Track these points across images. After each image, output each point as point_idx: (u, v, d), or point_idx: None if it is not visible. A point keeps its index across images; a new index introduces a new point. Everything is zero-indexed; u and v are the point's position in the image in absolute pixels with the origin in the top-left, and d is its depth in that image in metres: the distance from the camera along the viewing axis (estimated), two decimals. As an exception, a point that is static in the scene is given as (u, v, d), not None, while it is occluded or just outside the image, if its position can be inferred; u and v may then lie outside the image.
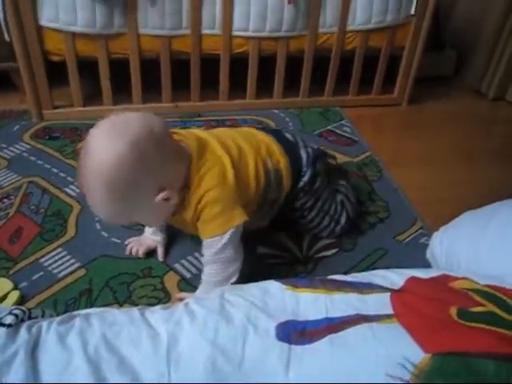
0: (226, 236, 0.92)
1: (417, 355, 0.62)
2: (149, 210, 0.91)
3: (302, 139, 1.18)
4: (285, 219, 1.20)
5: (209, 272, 0.97)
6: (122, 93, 1.73)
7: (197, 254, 1.16)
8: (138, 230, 1.21)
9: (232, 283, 0.97)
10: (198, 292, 1.00)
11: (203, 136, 0.99)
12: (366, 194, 1.42)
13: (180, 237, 1.20)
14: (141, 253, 1.13)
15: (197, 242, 1.18)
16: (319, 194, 1.16)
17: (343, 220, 1.21)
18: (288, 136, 1.16)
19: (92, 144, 0.81)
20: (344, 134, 1.75)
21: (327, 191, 1.19)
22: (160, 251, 1.14)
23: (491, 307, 0.71)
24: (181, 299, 1.01)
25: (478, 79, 2.16)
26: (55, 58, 1.59)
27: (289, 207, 1.15)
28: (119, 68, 1.66)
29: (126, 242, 1.16)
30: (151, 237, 1.15)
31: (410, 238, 1.26)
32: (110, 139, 0.80)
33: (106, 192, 0.82)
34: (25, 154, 1.49)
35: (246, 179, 0.99)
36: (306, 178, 1.11)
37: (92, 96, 1.77)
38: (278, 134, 1.14)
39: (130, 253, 1.14)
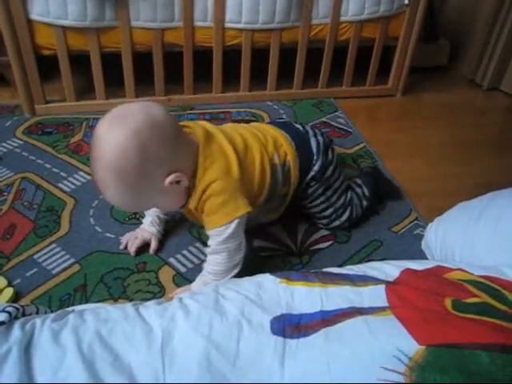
0: (232, 226, 0.93)
1: (411, 347, 0.61)
2: (161, 195, 0.92)
3: (313, 128, 1.19)
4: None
5: (214, 262, 0.97)
6: (114, 87, 1.72)
7: (192, 249, 1.16)
8: (132, 224, 1.20)
9: (232, 276, 0.97)
10: (195, 283, 1.01)
11: (210, 128, 1.00)
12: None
13: (175, 231, 1.20)
14: (134, 247, 1.12)
15: (192, 236, 1.19)
16: (330, 184, 1.16)
17: (344, 217, 1.21)
18: (297, 126, 1.17)
19: (97, 136, 0.84)
20: (338, 125, 1.75)
21: (339, 182, 1.19)
22: (153, 244, 1.13)
23: (486, 298, 0.71)
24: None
25: (473, 69, 2.15)
26: (46, 52, 1.58)
27: (301, 194, 1.16)
28: (111, 61, 1.65)
29: (121, 239, 1.16)
30: (148, 229, 1.15)
31: (405, 229, 1.26)
32: (111, 130, 0.83)
33: (116, 181, 0.85)
34: (17, 150, 1.48)
35: (251, 173, 1.00)
36: (316, 168, 1.12)
37: (84, 90, 1.76)
38: (286, 126, 1.16)
39: (125, 247, 1.13)
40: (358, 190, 1.26)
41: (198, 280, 1.01)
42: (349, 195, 1.22)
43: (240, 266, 0.99)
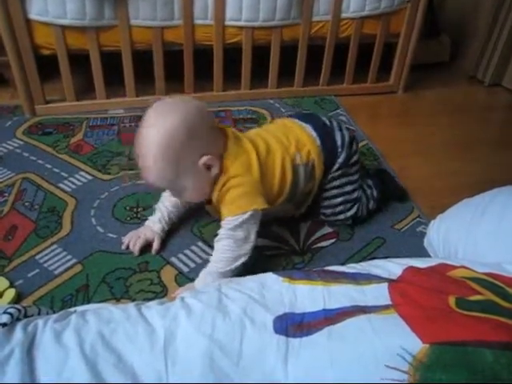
0: (244, 216, 0.98)
1: (415, 346, 0.61)
2: (193, 176, 0.98)
3: (338, 122, 1.21)
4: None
5: (221, 248, 1.00)
6: (114, 86, 1.71)
7: (194, 248, 1.15)
8: (134, 224, 1.20)
9: (237, 266, 0.99)
10: (199, 279, 1.01)
11: (236, 132, 1.07)
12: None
13: (177, 230, 1.20)
14: (138, 247, 1.11)
15: (194, 235, 1.19)
16: (348, 172, 1.18)
17: (350, 213, 1.20)
18: (323, 119, 1.19)
19: (149, 119, 0.94)
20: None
21: (356, 176, 1.20)
22: (155, 244, 1.13)
23: (489, 295, 0.70)
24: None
25: (474, 65, 2.15)
26: (46, 52, 1.57)
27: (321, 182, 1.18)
28: (111, 61, 1.64)
29: (123, 239, 1.15)
30: (153, 226, 1.14)
31: (408, 226, 1.26)
32: (163, 115, 0.94)
33: (161, 155, 0.93)
34: (18, 151, 1.47)
35: (271, 175, 1.06)
36: (341, 160, 1.14)
37: (84, 90, 1.75)
38: (312, 120, 1.18)
39: (127, 247, 1.13)
40: (368, 192, 1.26)
41: (202, 275, 1.01)
42: (359, 193, 1.22)
43: (246, 257, 1.01)
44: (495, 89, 2.10)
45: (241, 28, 1.66)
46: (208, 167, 0.97)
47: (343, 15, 1.73)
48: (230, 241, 0.99)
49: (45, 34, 1.53)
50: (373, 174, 1.38)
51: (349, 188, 1.18)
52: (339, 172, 1.16)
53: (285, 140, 1.10)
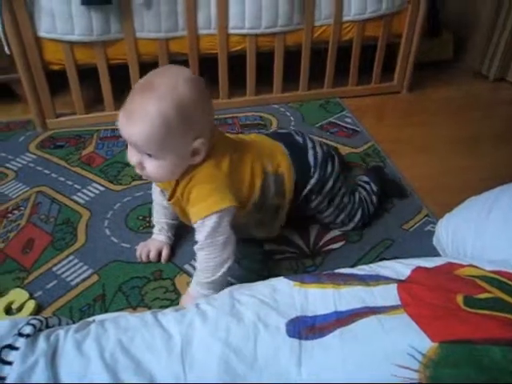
0: (214, 218, 0.92)
1: (425, 345, 0.63)
2: (175, 156, 0.90)
3: (313, 140, 1.18)
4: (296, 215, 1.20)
5: (203, 258, 0.96)
6: (122, 98, 1.73)
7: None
8: (146, 233, 1.22)
9: (224, 272, 0.96)
10: (192, 285, 1.00)
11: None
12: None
13: (189, 237, 1.21)
14: (152, 255, 1.14)
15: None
16: (334, 194, 1.17)
17: (357, 218, 1.22)
18: (297, 138, 1.16)
19: (159, 82, 0.87)
20: (345, 125, 1.76)
21: (344, 189, 1.19)
22: (164, 253, 1.15)
23: (497, 293, 0.72)
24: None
25: (478, 61, 2.15)
26: (55, 68, 1.61)
27: (304, 209, 1.17)
28: (119, 73, 1.68)
29: (137, 250, 1.17)
30: (158, 237, 1.16)
31: (416, 226, 1.27)
32: (177, 82, 0.87)
33: (160, 124, 0.85)
34: (31, 165, 1.51)
35: (241, 173, 1.00)
36: (313, 181, 1.11)
37: (94, 102, 1.79)
38: (285, 138, 1.15)
39: (142, 259, 1.15)
40: (367, 187, 1.28)
41: (192, 284, 1.00)
42: (357, 196, 1.23)
43: (231, 261, 0.97)
44: (500, 84, 2.10)
45: (244, 36, 1.69)
46: (194, 153, 0.91)
47: (345, 18, 1.75)
48: (211, 249, 0.95)
49: (54, 51, 1.56)
50: (368, 170, 1.41)
51: (343, 204, 1.19)
52: (326, 201, 1.16)
53: (255, 148, 1.07)
